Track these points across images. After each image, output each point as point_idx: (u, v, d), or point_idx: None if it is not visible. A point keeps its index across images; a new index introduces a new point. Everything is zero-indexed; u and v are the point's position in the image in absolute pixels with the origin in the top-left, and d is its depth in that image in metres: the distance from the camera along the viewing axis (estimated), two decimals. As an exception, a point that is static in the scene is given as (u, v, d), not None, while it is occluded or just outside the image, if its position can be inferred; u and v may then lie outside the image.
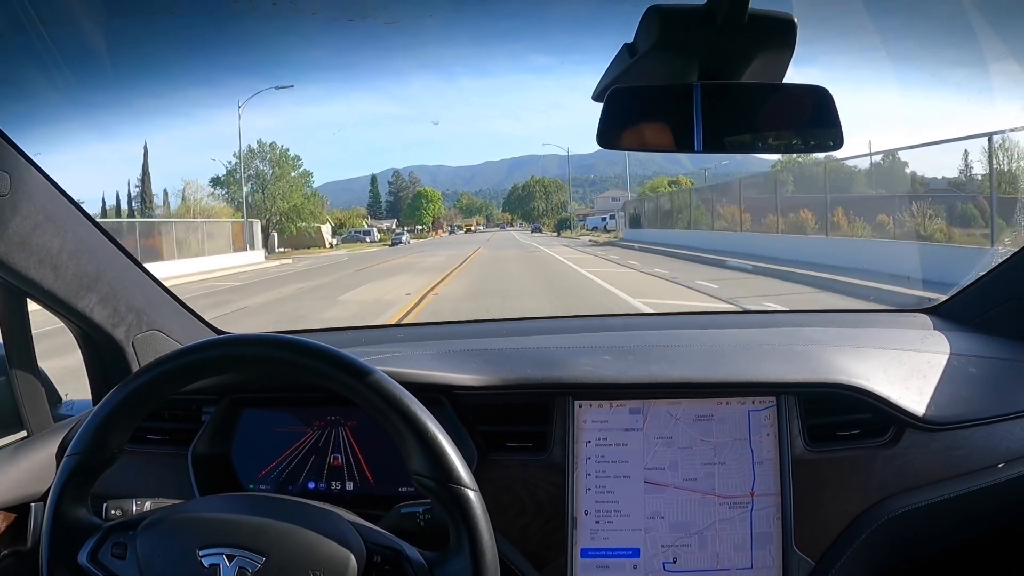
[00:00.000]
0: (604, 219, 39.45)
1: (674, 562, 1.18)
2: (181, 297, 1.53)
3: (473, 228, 55.76)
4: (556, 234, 38.87)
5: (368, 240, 36.14)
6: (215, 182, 33.07)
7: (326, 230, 34.03)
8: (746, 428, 1.20)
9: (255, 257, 25.17)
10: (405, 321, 7.93)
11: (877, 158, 14.71)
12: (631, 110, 0.94)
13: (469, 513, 0.85)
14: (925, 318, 1.62)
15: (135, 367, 1.36)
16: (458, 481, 0.85)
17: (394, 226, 49.25)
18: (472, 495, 0.86)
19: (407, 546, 0.88)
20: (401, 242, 33.29)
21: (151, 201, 38.07)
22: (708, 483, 1.19)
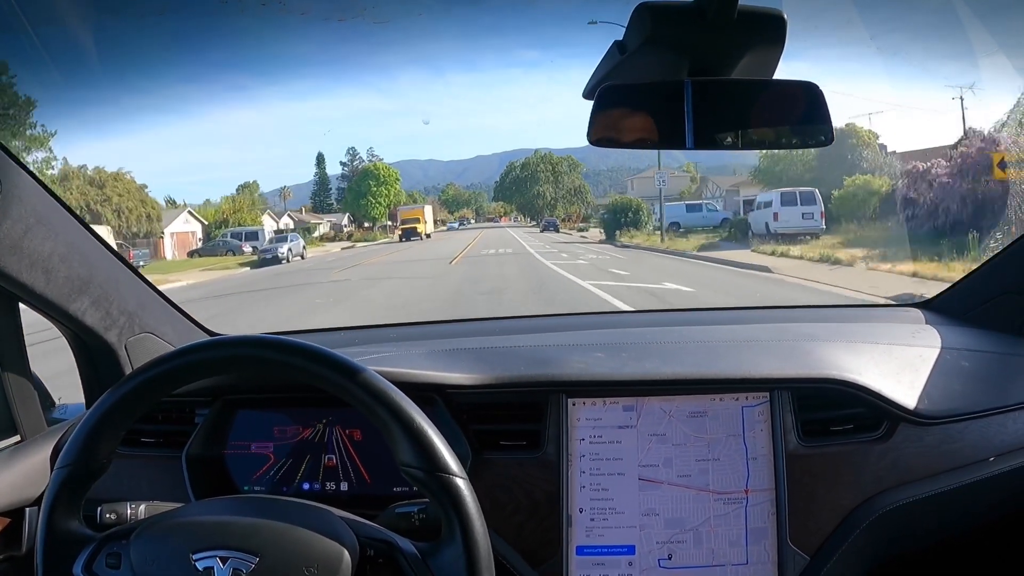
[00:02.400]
0: (704, 207, 20.53)
1: (669, 558, 1.19)
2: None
3: (422, 231, 26.91)
4: (604, 239, 19.30)
5: (251, 251, 21.00)
6: None
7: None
8: (739, 424, 1.21)
9: None
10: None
11: None
12: (622, 107, 0.94)
13: (459, 501, 0.85)
14: (918, 312, 1.63)
15: (128, 370, 1.36)
16: (446, 470, 0.86)
17: (345, 222, 34.03)
18: (461, 483, 0.86)
19: (399, 538, 0.88)
20: (276, 258, 18.73)
21: None
22: (702, 479, 1.20)
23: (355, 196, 35.65)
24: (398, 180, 37.04)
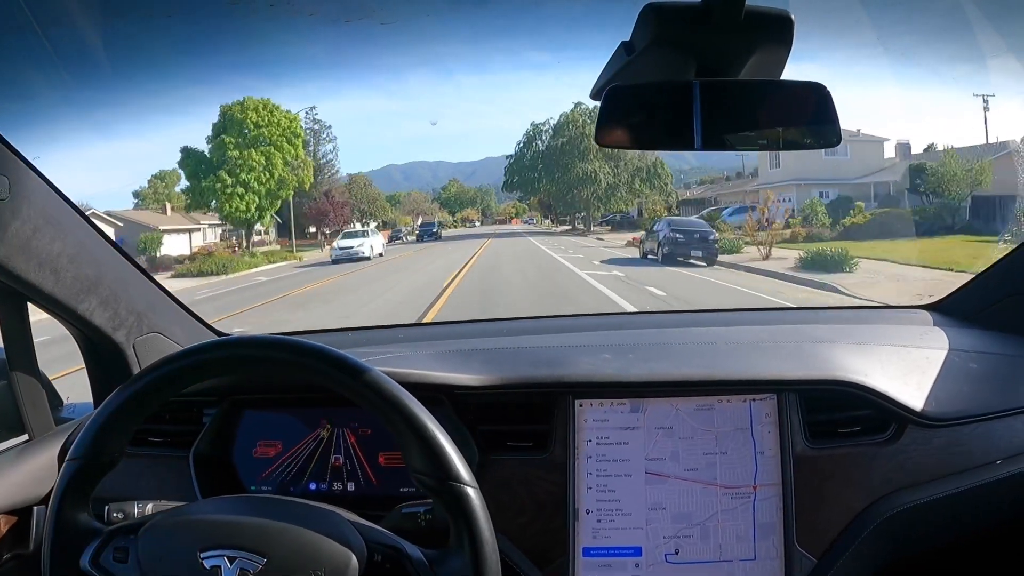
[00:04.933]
0: None
1: (676, 553, 1.18)
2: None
3: None
4: None
5: None
6: None
7: None
8: (748, 418, 1.20)
9: None
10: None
11: None
12: (629, 108, 0.94)
13: (469, 510, 0.85)
14: (925, 314, 1.62)
15: (136, 370, 1.36)
16: (458, 479, 0.86)
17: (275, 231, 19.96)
18: (472, 492, 0.86)
19: (408, 544, 0.88)
20: None
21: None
22: (710, 473, 1.19)
23: (194, 171, 17.89)
24: (297, 136, 18.75)
